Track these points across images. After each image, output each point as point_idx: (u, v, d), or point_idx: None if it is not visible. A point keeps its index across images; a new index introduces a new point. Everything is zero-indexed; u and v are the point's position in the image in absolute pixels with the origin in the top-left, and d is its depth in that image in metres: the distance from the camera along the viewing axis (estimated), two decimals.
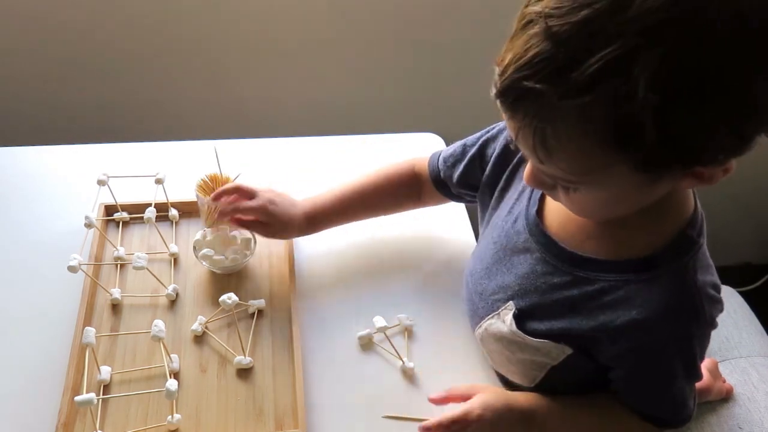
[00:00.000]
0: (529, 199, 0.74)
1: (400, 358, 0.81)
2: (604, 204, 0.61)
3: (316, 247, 0.95)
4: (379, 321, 0.84)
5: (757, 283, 1.69)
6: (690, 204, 0.66)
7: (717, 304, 0.66)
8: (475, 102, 1.45)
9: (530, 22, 0.50)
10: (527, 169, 0.63)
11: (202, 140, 1.09)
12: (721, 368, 1.02)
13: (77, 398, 0.68)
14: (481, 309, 0.78)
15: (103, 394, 0.76)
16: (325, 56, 1.35)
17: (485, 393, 0.73)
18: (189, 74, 1.35)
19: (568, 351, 0.70)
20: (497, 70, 0.53)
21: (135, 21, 1.25)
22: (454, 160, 0.87)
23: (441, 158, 0.89)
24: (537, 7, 0.50)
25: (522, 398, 0.74)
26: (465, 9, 1.28)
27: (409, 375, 0.80)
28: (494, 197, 0.82)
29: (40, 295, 0.86)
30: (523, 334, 0.71)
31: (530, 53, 0.49)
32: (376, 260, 0.86)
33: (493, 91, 0.54)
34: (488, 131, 0.84)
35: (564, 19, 0.48)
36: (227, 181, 0.91)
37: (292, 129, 1.39)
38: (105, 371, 0.77)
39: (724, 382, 0.99)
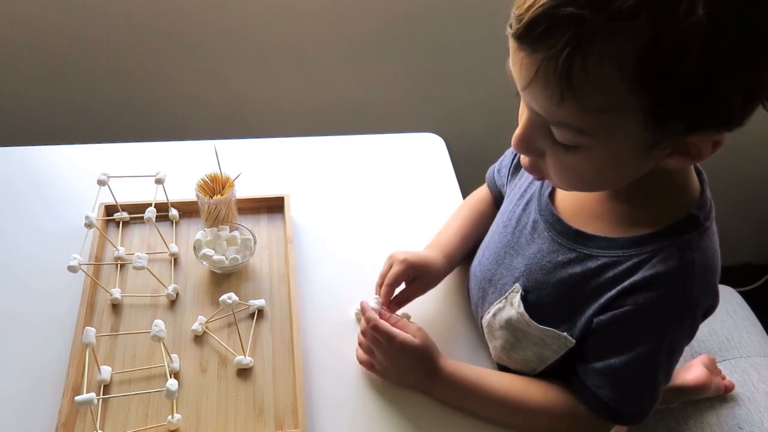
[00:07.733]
0: (543, 181, 0.74)
1: None
2: (595, 170, 0.59)
3: (316, 247, 0.95)
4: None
5: (757, 283, 1.69)
6: (696, 188, 0.66)
7: (709, 293, 0.65)
8: (476, 102, 1.46)
9: None
10: (517, 131, 0.60)
11: (202, 140, 1.09)
12: (721, 368, 1.02)
13: (77, 398, 0.68)
14: (490, 295, 0.78)
15: (104, 394, 0.76)
16: (325, 56, 1.35)
17: (417, 337, 0.75)
18: (189, 74, 1.35)
19: (570, 343, 0.70)
20: (515, 11, 0.52)
21: (135, 21, 1.25)
22: (505, 169, 0.88)
23: (495, 171, 0.90)
24: None
25: (445, 360, 0.76)
26: (465, 9, 1.28)
27: None
28: (507, 185, 0.83)
29: (40, 295, 0.86)
30: (528, 318, 0.71)
31: None
32: (376, 260, 0.86)
33: (513, 27, 0.52)
34: None
35: None
36: (227, 181, 0.92)
37: (292, 129, 1.39)
38: (105, 371, 0.77)
39: (724, 378, 0.99)
